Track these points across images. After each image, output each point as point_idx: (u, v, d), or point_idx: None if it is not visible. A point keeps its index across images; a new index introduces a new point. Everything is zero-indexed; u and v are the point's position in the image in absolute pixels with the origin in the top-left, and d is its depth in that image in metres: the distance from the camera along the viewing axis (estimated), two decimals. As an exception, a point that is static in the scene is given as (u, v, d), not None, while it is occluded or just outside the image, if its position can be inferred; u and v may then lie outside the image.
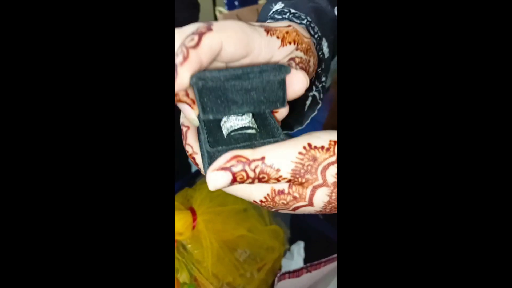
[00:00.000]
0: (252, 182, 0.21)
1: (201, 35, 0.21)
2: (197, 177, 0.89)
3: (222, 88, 0.21)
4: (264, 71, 0.22)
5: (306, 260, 0.79)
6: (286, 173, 0.21)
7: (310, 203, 0.22)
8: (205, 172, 0.22)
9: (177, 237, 0.67)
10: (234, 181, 0.20)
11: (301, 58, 0.26)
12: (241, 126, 0.23)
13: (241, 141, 0.23)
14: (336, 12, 0.33)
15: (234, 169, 0.20)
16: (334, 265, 0.62)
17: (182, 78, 0.21)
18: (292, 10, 0.30)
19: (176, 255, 0.69)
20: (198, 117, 0.23)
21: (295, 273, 0.52)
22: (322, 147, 0.21)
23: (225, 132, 0.24)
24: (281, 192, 0.22)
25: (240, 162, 0.20)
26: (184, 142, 0.25)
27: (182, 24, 0.24)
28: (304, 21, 0.30)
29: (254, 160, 0.20)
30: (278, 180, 0.21)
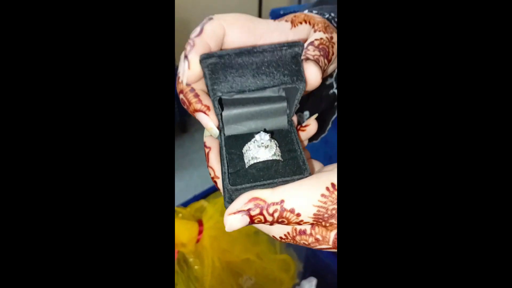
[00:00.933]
0: (271, 224, 0.20)
1: (203, 25, 0.22)
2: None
3: (231, 64, 0.20)
4: (276, 47, 0.21)
5: (315, 301, 0.71)
6: (307, 217, 0.19)
7: (334, 247, 0.20)
8: (224, 203, 0.22)
9: (179, 248, 0.63)
10: (251, 223, 0.19)
11: (320, 38, 0.23)
12: (264, 159, 0.22)
13: (262, 178, 0.21)
14: None
15: (252, 212, 0.19)
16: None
17: (193, 64, 0.21)
18: (314, 11, 0.28)
19: (176, 268, 0.65)
20: (220, 133, 0.23)
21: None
22: None
23: (247, 162, 0.22)
24: (303, 232, 0.20)
25: (258, 206, 0.19)
26: (207, 163, 0.24)
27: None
28: (326, 16, 0.27)
29: (272, 204, 0.18)
30: (299, 224, 0.19)
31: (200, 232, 0.64)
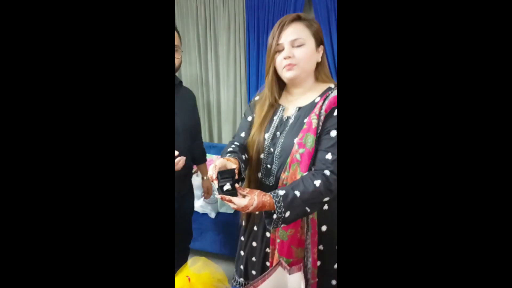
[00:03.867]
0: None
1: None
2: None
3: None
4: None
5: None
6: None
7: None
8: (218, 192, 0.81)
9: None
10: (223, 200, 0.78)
11: None
12: (226, 189, 0.79)
13: (227, 192, 0.80)
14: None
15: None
16: (276, 271, 0.85)
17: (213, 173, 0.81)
18: None
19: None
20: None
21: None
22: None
23: (224, 188, 0.80)
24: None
25: (228, 200, 0.79)
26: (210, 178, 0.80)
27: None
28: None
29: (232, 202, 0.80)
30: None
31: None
